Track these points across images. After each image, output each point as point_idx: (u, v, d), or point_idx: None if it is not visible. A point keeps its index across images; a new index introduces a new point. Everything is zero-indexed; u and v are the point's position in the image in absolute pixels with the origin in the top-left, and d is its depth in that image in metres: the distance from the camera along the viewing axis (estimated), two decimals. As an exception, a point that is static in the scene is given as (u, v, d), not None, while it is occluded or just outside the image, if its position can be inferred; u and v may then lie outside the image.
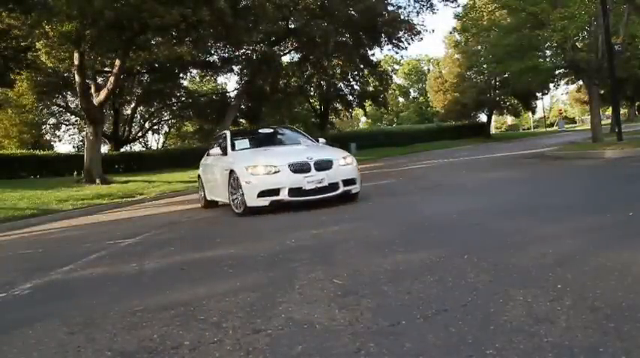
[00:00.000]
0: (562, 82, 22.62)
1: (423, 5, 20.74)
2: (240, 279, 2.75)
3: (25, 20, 12.30)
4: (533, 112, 52.78)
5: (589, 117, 19.21)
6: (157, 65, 22.76)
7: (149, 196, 11.66)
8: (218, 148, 6.87)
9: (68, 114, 31.30)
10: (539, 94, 37.30)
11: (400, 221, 4.17)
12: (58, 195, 10.93)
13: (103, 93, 15.20)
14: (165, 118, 35.66)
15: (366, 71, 24.84)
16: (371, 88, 26.86)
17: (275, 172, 5.58)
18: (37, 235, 6.74)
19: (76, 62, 14.60)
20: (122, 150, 29.75)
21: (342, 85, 27.46)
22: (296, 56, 24.40)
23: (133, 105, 30.86)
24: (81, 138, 32.39)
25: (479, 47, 30.13)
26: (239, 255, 3.50)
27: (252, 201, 5.59)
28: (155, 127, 37.23)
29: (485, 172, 9.15)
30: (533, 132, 48.35)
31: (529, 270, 2.26)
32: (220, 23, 13.31)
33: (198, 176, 8.22)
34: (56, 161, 22.02)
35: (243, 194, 5.65)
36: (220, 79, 40.31)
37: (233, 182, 5.92)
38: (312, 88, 28.08)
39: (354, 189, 5.95)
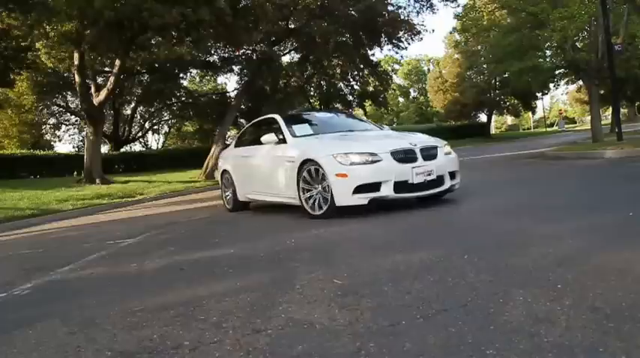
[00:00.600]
0: (562, 82, 22.58)
1: (423, 5, 20.71)
2: (240, 279, 2.75)
3: (25, 20, 12.29)
4: (533, 112, 52.82)
5: (589, 117, 19.20)
6: (156, 65, 22.73)
7: (149, 196, 11.67)
8: (269, 135, 5.59)
9: (68, 114, 31.30)
10: (539, 94, 37.29)
11: (400, 221, 4.17)
12: (58, 195, 10.93)
13: (103, 94, 15.20)
14: (165, 118, 35.67)
15: (366, 71, 24.80)
16: (371, 88, 26.81)
17: (374, 161, 4.51)
18: (37, 235, 6.74)
19: (76, 62, 14.60)
20: (122, 150, 29.79)
21: (342, 85, 27.41)
22: (296, 56, 24.40)
23: (133, 105, 30.88)
24: (81, 138, 32.40)
25: (479, 47, 30.18)
26: (239, 255, 3.50)
27: (345, 198, 4.54)
28: (155, 127, 37.28)
29: (485, 172, 9.15)
30: (533, 132, 48.34)
31: (529, 270, 2.26)
32: (220, 23, 13.29)
33: (222, 173, 6.92)
34: (56, 161, 22.03)
35: (330, 190, 4.58)
36: (220, 79, 40.38)
37: (309, 175, 4.83)
38: (312, 88, 28.05)
39: (457, 183, 5.07)
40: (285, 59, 25.23)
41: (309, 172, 4.82)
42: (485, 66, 29.79)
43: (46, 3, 11.56)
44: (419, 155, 4.65)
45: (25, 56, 14.57)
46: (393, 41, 20.82)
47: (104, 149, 25.63)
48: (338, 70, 24.60)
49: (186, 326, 2.02)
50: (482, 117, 42.80)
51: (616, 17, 13.82)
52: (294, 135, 5.49)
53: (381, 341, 1.65)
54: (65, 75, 22.29)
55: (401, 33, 20.26)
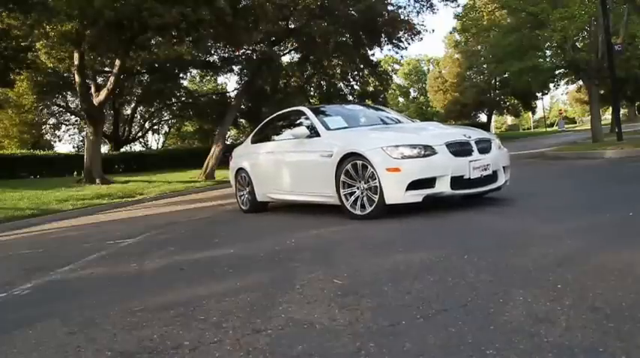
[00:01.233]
0: (562, 82, 22.58)
1: (423, 5, 20.71)
2: (240, 279, 2.75)
3: (25, 20, 12.30)
4: (533, 112, 52.89)
5: (589, 117, 19.20)
6: (156, 65, 22.75)
7: (149, 196, 11.67)
8: (300, 128, 5.20)
9: (68, 114, 31.35)
10: (539, 94, 37.34)
11: (400, 221, 4.16)
12: (58, 195, 10.93)
13: (103, 94, 15.20)
14: (165, 118, 35.71)
15: (366, 71, 24.81)
16: (371, 88, 26.80)
17: (428, 155, 4.11)
18: (37, 235, 6.74)
19: (76, 62, 14.61)
20: (122, 150, 29.81)
21: (342, 85, 27.40)
22: (296, 56, 24.39)
23: (133, 105, 30.91)
24: (81, 138, 32.43)
25: (479, 47, 30.20)
26: (239, 255, 3.50)
27: (397, 195, 4.12)
28: (155, 127, 37.31)
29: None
30: (533, 132, 48.32)
31: (529, 270, 2.26)
32: (220, 23, 13.30)
33: (237, 171, 6.41)
34: (56, 161, 22.06)
35: (380, 187, 4.16)
36: (220, 79, 40.29)
37: (353, 170, 4.41)
38: (312, 88, 28.05)
39: (508, 179, 4.69)
40: (285, 59, 25.22)
41: (355, 166, 4.38)
42: (485, 66, 29.83)
43: (46, 3, 11.56)
44: (474, 148, 4.29)
45: (25, 56, 14.56)
46: (393, 41, 20.83)
47: (104, 149, 25.65)
48: (338, 70, 24.60)
49: (186, 326, 2.02)
50: (483, 117, 42.88)
51: (616, 17, 13.83)
52: (327, 128, 5.05)
53: (381, 341, 1.65)
54: (65, 75, 22.30)
55: (401, 33, 20.27)
